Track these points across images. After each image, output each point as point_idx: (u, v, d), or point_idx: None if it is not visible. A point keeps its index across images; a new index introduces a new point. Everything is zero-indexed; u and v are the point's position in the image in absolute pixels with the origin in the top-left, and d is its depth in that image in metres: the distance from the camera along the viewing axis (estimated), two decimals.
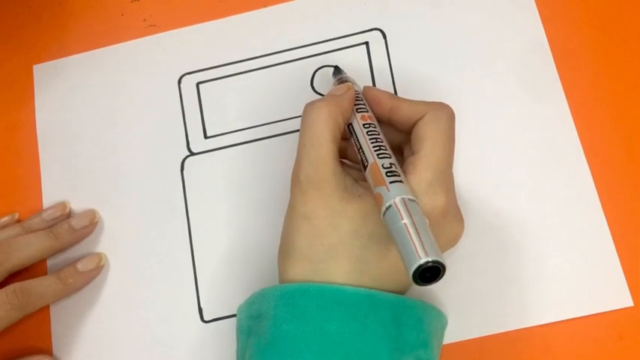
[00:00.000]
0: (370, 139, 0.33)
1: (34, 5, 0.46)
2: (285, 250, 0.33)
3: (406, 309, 0.32)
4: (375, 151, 0.32)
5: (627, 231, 0.37)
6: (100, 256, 0.39)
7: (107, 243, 0.40)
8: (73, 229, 0.39)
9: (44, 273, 0.39)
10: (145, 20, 0.45)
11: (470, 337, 0.36)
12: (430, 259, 0.27)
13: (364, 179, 0.33)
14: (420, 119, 0.34)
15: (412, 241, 0.27)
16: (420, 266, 0.27)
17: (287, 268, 0.32)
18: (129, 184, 0.41)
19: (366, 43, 0.42)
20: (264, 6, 0.44)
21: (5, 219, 0.40)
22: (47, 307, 0.39)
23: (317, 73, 0.42)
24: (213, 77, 0.43)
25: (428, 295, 0.36)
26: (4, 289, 0.36)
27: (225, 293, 0.38)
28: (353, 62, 0.42)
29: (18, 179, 0.42)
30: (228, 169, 0.40)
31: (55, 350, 0.38)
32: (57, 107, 0.43)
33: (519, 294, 0.36)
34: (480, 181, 0.38)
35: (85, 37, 0.45)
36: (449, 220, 0.33)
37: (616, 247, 0.36)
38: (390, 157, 0.32)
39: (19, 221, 0.40)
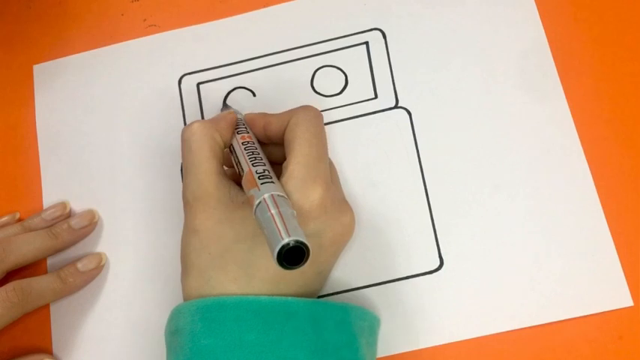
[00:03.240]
0: (247, 152, 0.34)
1: (34, 5, 0.46)
2: (182, 264, 0.34)
3: (325, 312, 0.32)
4: (250, 160, 0.34)
5: (627, 231, 0.37)
6: (100, 256, 0.39)
7: (107, 243, 0.40)
8: (73, 229, 0.39)
9: (44, 272, 0.39)
10: (145, 20, 0.45)
11: (470, 337, 0.36)
12: (292, 239, 0.28)
13: None
14: (286, 127, 0.35)
15: (277, 226, 0.28)
16: (283, 247, 0.28)
17: (184, 283, 0.34)
18: (129, 184, 0.41)
19: (366, 43, 0.42)
20: (264, 6, 0.44)
21: (5, 218, 0.40)
22: (47, 306, 0.39)
23: (317, 73, 0.42)
24: (213, 77, 0.43)
25: (427, 295, 0.36)
26: (3, 287, 0.36)
27: None
28: (353, 62, 0.42)
29: (18, 179, 0.42)
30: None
31: (54, 349, 0.38)
32: (57, 107, 0.43)
33: (519, 294, 0.36)
34: (480, 181, 0.38)
35: (85, 37, 0.45)
36: (332, 212, 0.34)
37: (616, 247, 0.36)
38: (264, 165, 0.33)
39: (19, 221, 0.40)
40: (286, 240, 0.28)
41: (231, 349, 0.30)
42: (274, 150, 0.37)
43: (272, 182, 0.32)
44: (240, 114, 0.39)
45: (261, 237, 0.31)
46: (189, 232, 0.34)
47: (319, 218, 0.33)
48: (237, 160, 0.35)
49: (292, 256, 0.28)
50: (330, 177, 0.35)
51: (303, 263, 0.28)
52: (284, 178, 0.33)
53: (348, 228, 0.35)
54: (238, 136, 0.36)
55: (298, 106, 0.36)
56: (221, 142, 0.35)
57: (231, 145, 0.36)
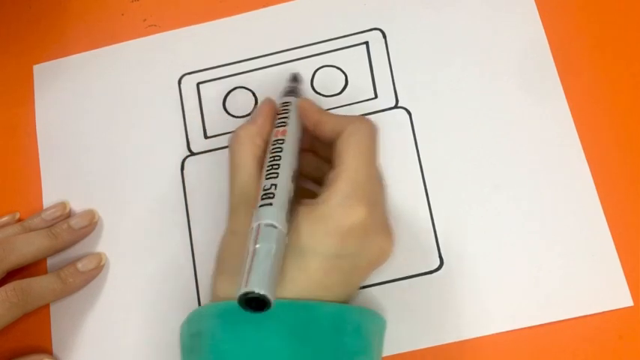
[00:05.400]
0: (269, 157, 0.34)
1: (34, 5, 0.46)
2: (215, 266, 0.34)
3: (344, 316, 0.32)
4: (267, 170, 0.33)
5: (627, 231, 0.37)
6: (100, 256, 0.39)
7: (107, 243, 0.40)
8: (73, 229, 0.39)
9: (44, 272, 0.39)
10: (145, 20, 0.45)
11: (470, 337, 0.36)
12: (249, 291, 0.27)
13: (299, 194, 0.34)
14: (340, 134, 0.34)
15: (246, 268, 0.28)
16: (242, 295, 0.28)
17: (214, 283, 0.33)
18: (129, 184, 0.41)
19: (366, 43, 0.42)
20: (264, 6, 0.44)
21: (5, 218, 0.40)
22: (47, 306, 0.39)
23: (317, 73, 0.42)
24: (213, 77, 0.43)
25: (427, 295, 0.36)
26: (3, 287, 0.36)
27: None
28: (353, 62, 0.42)
29: (18, 179, 0.42)
30: (228, 169, 0.40)
31: (54, 349, 0.38)
32: (57, 107, 0.43)
33: (519, 294, 0.36)
34: (480, 181, 0.38)
35: (85, 37, 0.45)
36: (372, 234, 0.33)
37: (616, 247, 0.36)
38: (277, 177, 0.32)
39: (19, 221, 0.40)
40: (243, 290, 0.27)
41: (252, 354, 0.30)
42: (319, 144, 0.36)
43: (270, 204, 0.31)
44: (298, 95, 0.38)
45: (297, 247, 0.31)
46: (229, 233, 0.34)
47: (359, 239, 0.32)
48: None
49: (254, 302, 0.28)
50: (375, 197, 0.34)
51: (264, 310, 0.28)
52: (329, 191, 0.32)
53: (386, 253, 0.34)
54: (274, 131, 0.35)
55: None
56: (262, 144, 0.35)
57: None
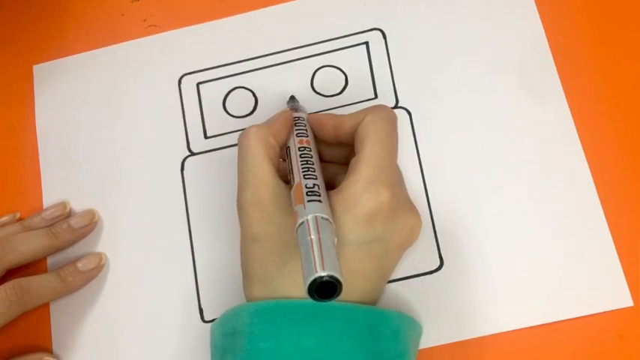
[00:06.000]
0: (301, 160, 0.34)
1: (34, 5, 0.46)
2: (244, 273, 0.34)
3: (382, 320, 0.32)
4: (303, 172, 0.33)
5: (627, 231, 0.37)
6: (100, 256, 0.39)
7: (107, 242, 0.40)
8: (73, 229, 0.39)
9: (44, 271, 0.39)
10: (145, 20, 0.45)
11: (470, 337, 0.36)
12: (326, 274, 0.27)
13: None
14: (360, 123, 0.34)
15: (313, 255, 0.28)
16: (315, 280, 0.27)
17: (248, 289, 0.33)
18: (129, 184, 0.41)
19: (366, 43, 0.42)
20: (264, 6, 0.44)
21: (5, 218, 0.40)
22: (47, 305, 0.39)
23: (317, 73, 0.42)
24: (213, 77, 0.43)
25: (427, 295, 0.36)
26: (3, 285, 0.36)
27: (225, 293, 0.38)
28: (353, 62, 0.42)
29: (18, 179, 0.42)
30: (228, 169, 0.40)
31: (54, 348, 0.38)
32: (57, 107, 0.43)
33: (519, 294, 0.36)
34: (480, 181, 0.38)
35: (85, 37, 0.45)
36: (399, 214, 0.33)
37: (616, 247, 0.36)
38: (316, 179, 0.32)
39: (19, 220, 0.40)
40: (320, 274, 0.27)
41: (289, 353, 0.30)
42: (338, 150, 0.37)
43: (319, 201, 0.31)
44: (305, 112, 0.38)
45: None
46: (248, 239, 0.33)
47: (387, 221, 0.32)
48: (290, 167, 0.34)
49: (324, 289, 0.27)
50: (398, 179, 0.34)
51: (333, 298, 0.27)
52: (354, 177, 0.32)
53: (415, 231, 0.34)
54: (296, 139, 0.35)
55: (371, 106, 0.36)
56: (276, 146, 0.34)
57: (288, 147, 0.35)
